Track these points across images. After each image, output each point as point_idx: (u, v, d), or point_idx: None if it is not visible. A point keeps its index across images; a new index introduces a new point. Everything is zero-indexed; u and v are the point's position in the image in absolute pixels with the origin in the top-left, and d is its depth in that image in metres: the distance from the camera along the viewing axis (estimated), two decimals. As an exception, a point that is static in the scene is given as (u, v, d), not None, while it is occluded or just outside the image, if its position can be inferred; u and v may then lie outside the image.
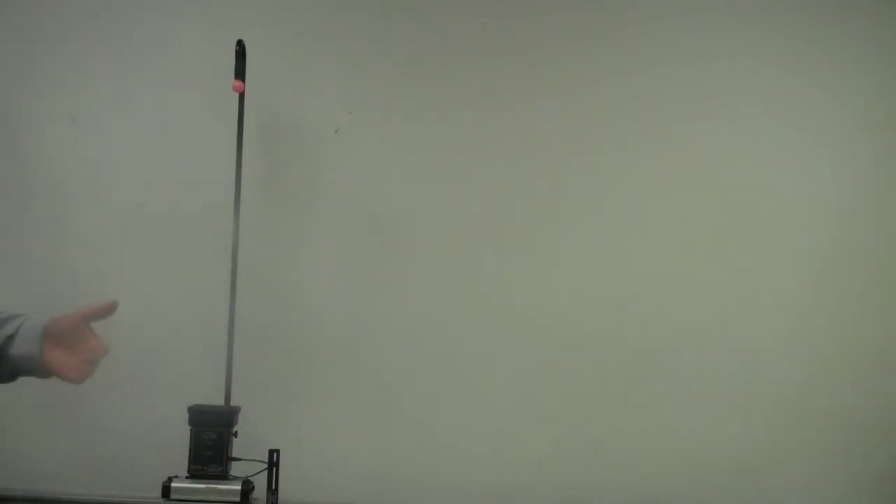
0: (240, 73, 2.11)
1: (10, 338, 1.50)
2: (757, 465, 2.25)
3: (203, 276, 2.22)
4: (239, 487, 1.99)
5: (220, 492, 1.99)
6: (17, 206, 2.26)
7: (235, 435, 2.04)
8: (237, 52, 2.12)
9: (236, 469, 2.03)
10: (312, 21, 2.33)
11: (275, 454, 2.01)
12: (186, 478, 1.99)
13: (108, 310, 1.53)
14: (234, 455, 2.03)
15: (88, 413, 2.21)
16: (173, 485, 1.98)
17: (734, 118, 2.30)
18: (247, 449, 2.05)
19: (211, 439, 2.00)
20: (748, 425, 2.26)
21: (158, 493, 1.98)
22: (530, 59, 2.31)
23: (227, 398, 2.08)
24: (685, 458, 2.24)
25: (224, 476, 2.00)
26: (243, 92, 2.12)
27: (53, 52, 2.27)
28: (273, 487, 2.01)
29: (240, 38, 2.12)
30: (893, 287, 2.29)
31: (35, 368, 1.51)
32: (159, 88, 2.27)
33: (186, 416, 2.01)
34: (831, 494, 2.25)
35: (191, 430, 2.01)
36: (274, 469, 2.01)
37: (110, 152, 2.27)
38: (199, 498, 1.97)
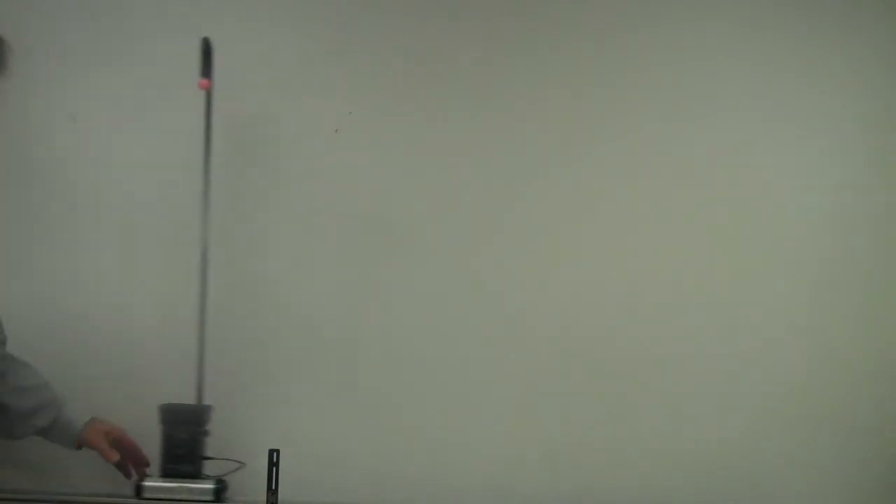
0: (205, 71, 2.11)
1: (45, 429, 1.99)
2: (756, 465, 2.25)
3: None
4: (212, 486, 2.00)
5: (193, 490, 2.00)
6: (18, 205, 2.25)
7: (207, 434, 2.05)
8: (203, 50, 2.11)
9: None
10: (314, 20, 2.32)
11: (275, 454, 1.99)
12: (159, 477, 2.01)
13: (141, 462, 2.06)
14: (208, 454, 2.05)
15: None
16: (145, 483, 2.00)
17: (734, 118, 2.29)
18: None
19: (183, 438, 2.02)
20: (747, 425, 2.26)
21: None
22: (532, 58, 2.30)
23: (200, 397, 2.09)
24: (683, 458, 2.24)
25: (197, 475, 2.02)
26: (210, 90, 2.12)
27: (54, 53, 2.26)
28: (273, 487, 2.00)
29: (206, 36, 2.11)
30: (892, 288, 2.29)
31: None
32: (161, 88, 2.26)
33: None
34: (830, 495, 2.25)
35: (162, 429, 2.02)
36: (274, 469, 1.99)
37: (110, 152, 2.26)
38: (172, 497, 1.98)
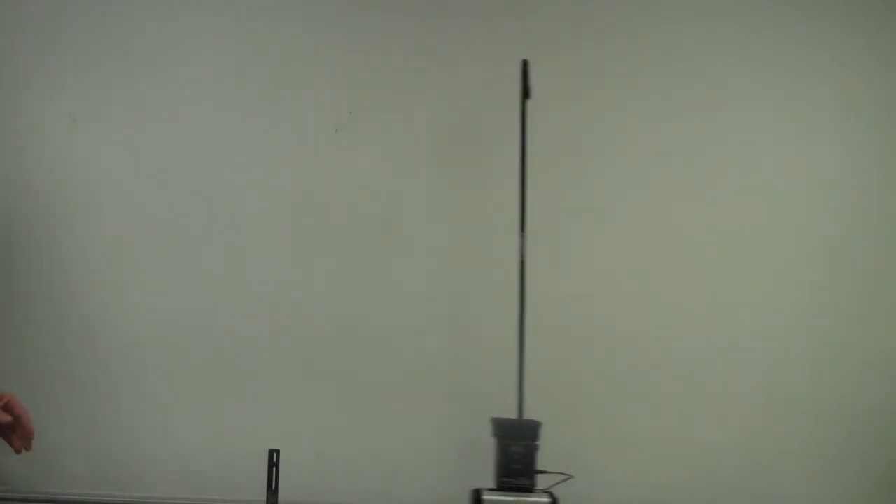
0: (525, 90, 2.16)
1: None
2: (757, 464, 2.27)
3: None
4: (548, 500, 2.00)
5: (530, 504, 2.00)
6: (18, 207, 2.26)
7: (538, 448, 2.04)
8: (522, 71, 2.16)
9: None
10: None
11: (275, 454, 2.02)
12: (495, 490, 2.00)
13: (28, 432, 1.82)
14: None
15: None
16: (485, 497, 1.99)
17: (735, 118, 2.33)
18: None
19: (518, 452, 2.01)
20: (749, 425, 2.28)
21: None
22: (532, 58, 2.26)
23: (520, 411, 2.09)
24: (684, 458, 2.26)
25: (531, 489, 2.01)
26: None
27: (54, 53, 2.28)
28: (273, 487, 2.01)
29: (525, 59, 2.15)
30: (892, 288, 2.31)
31: None
32: (162, 89, 2.29)
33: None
34: (831, 494, 2.26)
35: (497, 442, 2.02)
36: (274, 469, 2.02)
37: (111, 153, 2.28)
38: (510, 509, 1.98)
